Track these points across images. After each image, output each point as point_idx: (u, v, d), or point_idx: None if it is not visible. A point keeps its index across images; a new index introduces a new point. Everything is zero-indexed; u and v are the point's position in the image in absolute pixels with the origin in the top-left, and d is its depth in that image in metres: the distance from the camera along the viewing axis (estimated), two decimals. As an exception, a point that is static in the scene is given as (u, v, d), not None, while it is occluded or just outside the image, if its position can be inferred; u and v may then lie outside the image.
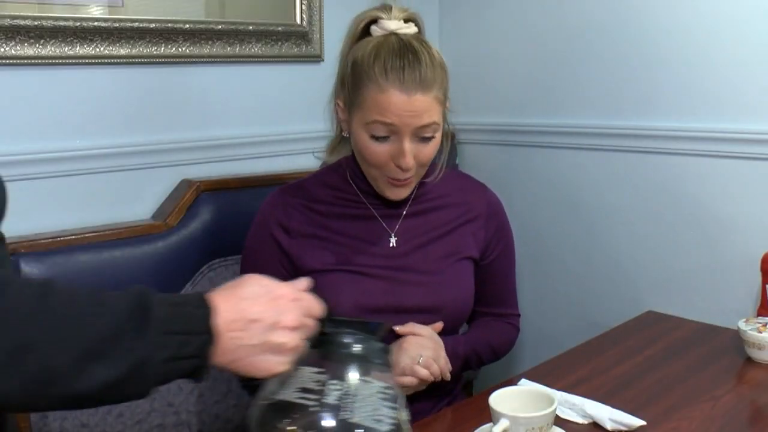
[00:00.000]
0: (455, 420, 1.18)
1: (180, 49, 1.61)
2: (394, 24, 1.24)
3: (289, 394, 0.79)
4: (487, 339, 1.40)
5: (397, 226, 1.33)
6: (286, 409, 0.79)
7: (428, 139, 1.23)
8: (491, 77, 2.05)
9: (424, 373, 1.20)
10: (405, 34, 1.24)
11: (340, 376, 0.80)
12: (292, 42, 1.82)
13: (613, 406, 1.14)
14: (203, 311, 0.74)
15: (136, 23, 1.53)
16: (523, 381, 1.25)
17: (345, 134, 1.30)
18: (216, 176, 1.64)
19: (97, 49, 1.49)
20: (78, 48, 1.46)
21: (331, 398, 0.78)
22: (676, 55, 1.69)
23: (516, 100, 2.01)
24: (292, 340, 0.78)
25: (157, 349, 0.70)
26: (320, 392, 0.78)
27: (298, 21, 1.82)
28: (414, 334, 1.24)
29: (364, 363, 0.82)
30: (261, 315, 0.77)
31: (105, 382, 0.67)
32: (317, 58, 1.87)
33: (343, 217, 1.33)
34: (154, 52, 1.57)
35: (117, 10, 1.52)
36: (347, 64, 1.25)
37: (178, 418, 1.48)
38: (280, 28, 1.78)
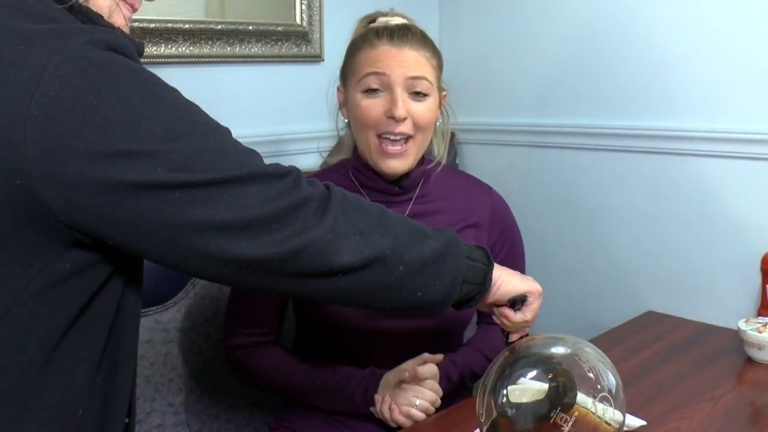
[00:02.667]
0: (455, 420, 1.18)
1: (180, 50, 1.61)
2: (389, 18, 1.33)
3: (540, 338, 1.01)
4: (483, 354, 1.39)
5: None
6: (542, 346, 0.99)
7: (421, 97, 1.26)
8: (491, 77, 2.05)
9: (419, 417, 1.22)
10: (400, 21, 1.32)
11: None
12: (292, 42, 1.82)
13: (613, 406, 1.13)
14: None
15: (136, 23, 1.53)
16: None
17: (345, 119, 1.32)
18: (216, 176, 1.64)
19: (97, 49, 1.49)
20: (78, 48, 1.46)
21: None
22: (676, 55, 1.69)
23: (516, 100, 2.01)
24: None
25: (458, 241, 0.95)
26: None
27: (298, 21, 1.82)
28: (418, 376, 1.23)
29: None
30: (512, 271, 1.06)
31: (435, 250, 0.91)
32: (317, 58, 1.87)
33: None
34: (154, 52, 1.57)
35: (117, 10, 1.52)
36: (346, 51, 1.33)
37: (178, 418, 1.48)
38: (280, 28, 1.79)
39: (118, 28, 0.81)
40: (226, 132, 0.80)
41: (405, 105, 1.24)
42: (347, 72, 1.31)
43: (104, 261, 0.77)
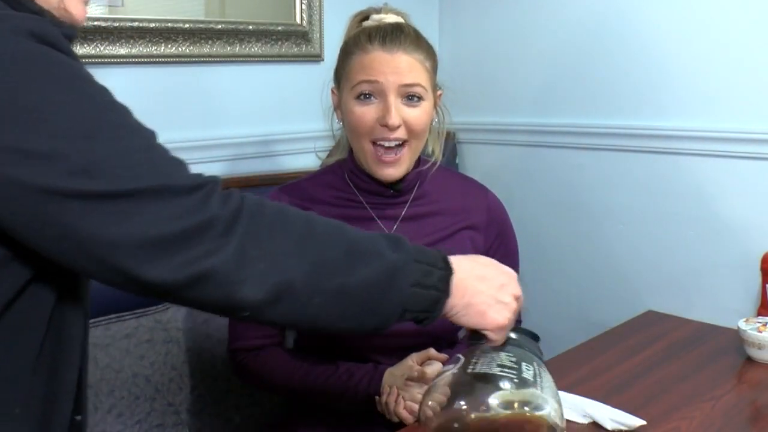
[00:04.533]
0: (455, 420, 1.18)
1: (180, 49, 1.61)
2: (382, 15, 1.32)
3: (492, 368, 0.89)
4: None
5: (394, 228, 1.33)
6: (489, 380, 0.88)
7: (414, 102, 1.25)
8: (491, 77, 2.05)
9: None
10: (393, 20, 1.31)
11: (529, 361, 0.92)
12: (292, 42, 1.81)
13: (613, 406, 1.14)
14: (444, 255, 0.88)
15: (136, 23, 1.53)
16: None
17: (339, 121, 1.32)
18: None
19: (97, 49, 1.49)
20: (78, 48, 1.46)
21: (527, 375, 0.89)
22: (676, 55, 1.69)
23: (516, 100, 2.01)
24: (513, 304, 0.90)
25: (407, 266, 0.82)
26: (517, 369, 0.89)
27: (298, 20, 1.82)
28: (423, 374, 1.24)
29: (538, 356, 0.95)
30: (491, 276, 0.90)
31: (368, 279, 0.79)
32: (317, 58, 1.87)
33: (341, 218, 1.31)
34: (154, 52, 1.57)
35: (117, 9, 1.52)
36: (339, 51, 1.32)
37: (178, 418, 1.48)
38: (280, 28, 1.78)
39: (48, 11, 0.77)
40: (146, 136, 0.75)
41: (398, 112, 1.23)
42: (341, 75, 1.30)
43: (19, 258, 0.73)
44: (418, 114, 1.26)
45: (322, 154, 1.46)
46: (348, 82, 1.26)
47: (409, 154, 1.28)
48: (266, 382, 1.34)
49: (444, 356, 1.27)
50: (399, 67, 1.23)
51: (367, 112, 1.24)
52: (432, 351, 1.26)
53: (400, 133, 1.25)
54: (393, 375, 1.25)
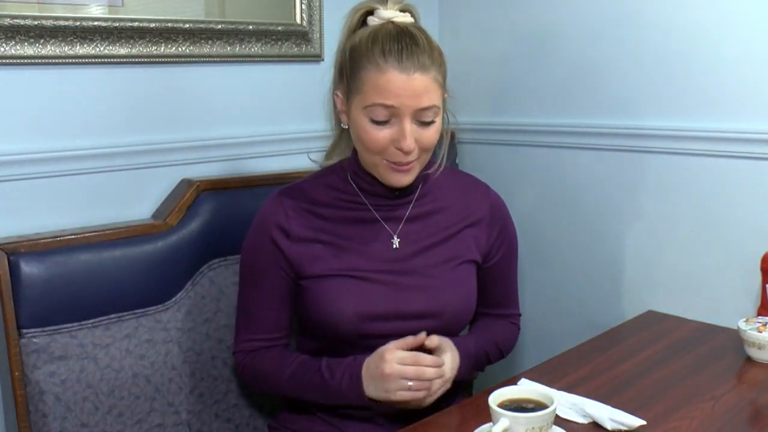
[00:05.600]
0: (455, 420, 1.18)
1: (180, 49, 1.61)
2: (390, 13, 1.25)
3: None
4: (492, 338, 1.41)
5: (399, 228, 1.33)
6: None
7: (429, 124, 1.23)
8: (491, 77, 2.05)
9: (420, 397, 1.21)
10: (402, 22, 1.24)
11: None
12: (292, 42, 1.82)
13: (613, 406, 1.14)
14: None
15: (136, 23, 1.53)
16: (523, 381, 1.25)
17: (344, 125, 1.30)
18: (216, 176, 1.64)
19: (97, 49, 1.49)
20: (78, 48, 1.46)
21: None
22: (677, 54, 1.69)
23: (516, 100, 2.01)
24: None
25: None
26: None
27: (298, 20, 1.82)
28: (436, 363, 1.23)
29: None
30: None
31: None
32: (317, 58, 1.87)
33: (345, 220, 1.32)
34: (154, 52, 1.57)
35: (117, 9, 1.52)
36: (345, 52, 1.26)
37: (178, 418, 1.48)
38: (280, 28, 1.79)
39: None
40: None
41: (413, 135, 1.20)
42: (350, 85, 1.24)
43: None
44: (431, 134, 1.23)
45: (314, 155, 1.44)
46: (360, 98, 1.22)
47: (418, 164, 1.27)
48: (261, 383, 1.35)
49: (422, 337, 1.25)
50: (416, 90, 1.18)
51: (382, 135, 1.21)
52: (410, 338, 1.25)
53: (413, 156, 1.23)
54: (369, 368, 1.23)
